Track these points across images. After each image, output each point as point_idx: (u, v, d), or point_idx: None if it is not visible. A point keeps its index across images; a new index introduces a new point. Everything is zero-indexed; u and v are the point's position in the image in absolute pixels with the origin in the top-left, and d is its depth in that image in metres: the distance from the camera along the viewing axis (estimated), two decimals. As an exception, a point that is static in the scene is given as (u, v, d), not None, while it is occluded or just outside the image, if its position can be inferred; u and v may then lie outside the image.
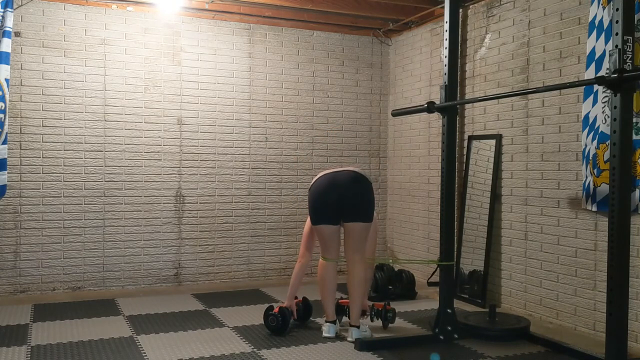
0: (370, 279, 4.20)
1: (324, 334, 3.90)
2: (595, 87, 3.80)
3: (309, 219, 4.03)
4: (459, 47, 4.47)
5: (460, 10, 5.06)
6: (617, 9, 2.86)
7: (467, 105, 5.13)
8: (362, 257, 3.88)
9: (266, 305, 4.86)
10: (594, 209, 3.88)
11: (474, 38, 5.12)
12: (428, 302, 4.95)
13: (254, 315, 4.53)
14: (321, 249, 3.97)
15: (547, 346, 3.74)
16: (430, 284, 4.56)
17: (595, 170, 3.85)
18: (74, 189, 5.23)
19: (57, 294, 5.14)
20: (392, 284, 5.07)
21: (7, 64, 4.57)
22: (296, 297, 4.17)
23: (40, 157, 5.12)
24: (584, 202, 3.97)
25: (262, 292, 5.36)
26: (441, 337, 3.87)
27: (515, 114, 4.64)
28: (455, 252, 4.52)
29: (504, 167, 4.75)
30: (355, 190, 3.81)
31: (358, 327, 3.86)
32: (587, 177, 3.93)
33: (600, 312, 3.88)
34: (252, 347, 3.74)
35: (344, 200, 3.79)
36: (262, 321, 4.34)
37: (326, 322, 3.95)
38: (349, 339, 3.82)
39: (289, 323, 3.99)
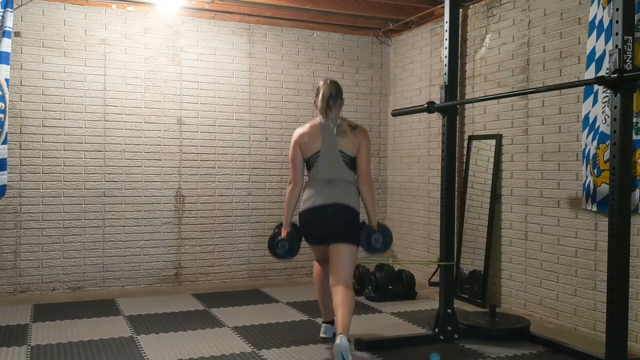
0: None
1: (321, 335, 3.89)
2: (595, 87, 3.80)
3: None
4: (459, 47, 4.47)
5: (460, 10, 5.06)
6: (617, 9, 2.86)
7: (467, 105, 5.13)
8: (348, 285, 3.50)
9: (266, 305, 4.88)
10: (594, 209, 3.88)
11: (474, 38, 5.12)
12: (428, 302, 4.95)
13: (254, 315, 4.53)
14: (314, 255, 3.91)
15: (547, 346, 3.73)
16: (431, 284, 4.56)
17: (595, 170, 3.85)
18: (74, 189, 5.23)
19: (57, 294, 5.14)
20: (392, 284, 5.07)
21: (7, 64, 4.58)
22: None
23: (40, 157, 5.12)
24: (584, 202, 3.97)
25: (262, 292, 5.37)
26: (441, 337, 3.87)
27: (515, 114, 4.64)
28: (455, 252, 4.51)
29: (504, 167, 4.75)
30: (341, 217, 3.59)
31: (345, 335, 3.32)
32: (587, 177, 3.93)
33: (600, 312, 3.88)
34: (252, 347, 3.74)
35: (329, 225, 3.59)
36: (262, 321, 4.35)
37: (323, 322, 3.94)
38: (336, 342, 3.27)
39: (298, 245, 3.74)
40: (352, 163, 3.65)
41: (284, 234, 3.70)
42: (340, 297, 3.43)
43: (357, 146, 3.64)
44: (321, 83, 3.73)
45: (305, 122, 3.79)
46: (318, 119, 3.70)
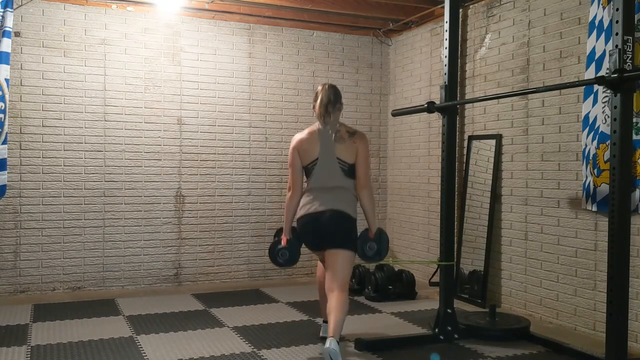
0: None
1: (322, 334, 3.89)
2: (595, 87, 3.80)
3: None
4: (459, 47, 4.47)
5: (460, 10, 5.06)
6: (617, 9, 2.86)
7: (467, 105, 5.13)
8: (343, 290, 3.48)
9: (266, 305, 4.88)
10: (594, 209, 3.88)
11: (474, 38, 5.12)
12: (428, 302, 4.95)
13: (254, 315, 4.53)
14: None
15: (547, 346, 3.74)
16: (432, 284, 4.56)
17: (595, 170, 3.85)
18: (74, 189, 5.23)
19: (57, 294, 5.14)
20: (392, 284, 5.07)
21: (7, 64, 4.58)
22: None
23: (40, 157, 5.12)
24: (584, 202, 3.97)
25: (262, 292, 5.36)
26: (441, 337, 3.87)
27: (515, 114, 4.64)
28: (455, 252, 4.51)
29: (504, 167, 4.75)
30: (336, 223, 3.57)
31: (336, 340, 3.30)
32: (587, 177, 3.93)
33: (600, 312, 3.88)
34: (252, 347, 3.74)
35: (324, 231, 3.58)
36: (262, 321, 4.35)
37: (323, 322, 3.93)
38: (326, 345, 3.26)
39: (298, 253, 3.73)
40: (350, 170, 3.63)
41: (284, 242, 3.68)
42: (335, 301, 3.42)
43: (355, 152, 3.62)
44: (320, 87, 3.72)
45: (306, 123, 3.79)
46: (316, 124, 3.69)
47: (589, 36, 3.93)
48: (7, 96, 4.62)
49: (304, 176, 3.71)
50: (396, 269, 5.23)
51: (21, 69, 5.05)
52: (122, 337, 3.91)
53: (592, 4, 3.89)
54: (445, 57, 4.09)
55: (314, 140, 3.64)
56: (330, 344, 3.18)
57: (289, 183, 3.72)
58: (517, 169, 4.62)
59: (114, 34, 5.32)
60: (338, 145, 3.61)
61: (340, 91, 3.74)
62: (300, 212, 3.65)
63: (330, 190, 3.61)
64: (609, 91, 3.07)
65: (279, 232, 3.82)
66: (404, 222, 6.14)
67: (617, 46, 2.83)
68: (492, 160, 4.83)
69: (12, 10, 4.61)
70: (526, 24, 4.56)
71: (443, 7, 4.41)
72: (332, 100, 3.65)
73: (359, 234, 3.66)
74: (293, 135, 3.77)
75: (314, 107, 3.73)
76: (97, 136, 5.29)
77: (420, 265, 5.74)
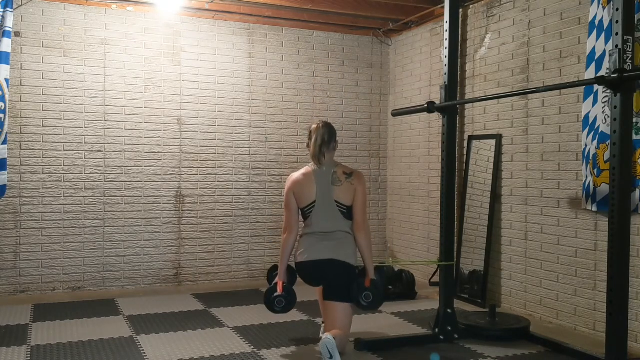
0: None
1: (321, 334, 3.89)
2: (595, 87, 3.80)
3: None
4: (459, 47, 4.47)
5: (460, 10, 5.06)
6: (617, 9, 2.86)
7: (467, 105, 5.13)
8: (345, 332, 3.51)
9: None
10: (594, 209, 3.88)
11: (474, 38, 5.12)
12: (428, 302, 4.95)
13: (254, 315, 4.53)
14: None
15: (547, 346, 3.74)
16: (432, 283, 4.56)
17: (595, 170, 3.85)
18: (74, 189, 5.23)
19: (57, 294, 5.14)
20: (392, 284, 5.07)
21: (7, 64, 4.58)
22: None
23: (40, 157, 5.12)
24: (584, 202, 3.97)
25: (262, 292, 5.33)
26: (441, 337, 3.87)
27: (515, 114, 4.64)
28: (455, 252, 4.51)
29: (504, 167, 4.75)
30: (336, 274, 3.57)
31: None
32: (587, 177, 3.93)
33: (600, 312, 3.88)
34: (252, 347, 3.74)
35: (325, 280, 3.61)
36: (262, 321, 4.35)
37: (323, 322, 3.94)
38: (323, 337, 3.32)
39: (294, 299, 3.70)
40: (348, 212, 3.60)
41: (280, 289, 3.62)
42: (337, 331, 3.42)
43: (352, 194, 3.58)
44: (314, 126, 3.66)
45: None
46: (311, 165, 3.65)
47: (589, 36, 3.93)
48: (7, 96, 4.62)
49: (301, 217, 3.67)
50: (396, 269, 5.23)
51: (21, 69, 5.05)
52: (122, 337, 3.91)
53: (592, 4, 3.89)
54: (445, 57, 4.09)
55: (310, 182, 3.60)
56: (328, 336, 3.19)
57: (285, 224, 3.68)
58: (517, 169, 4.62)
59: (114, 34, 5.32)
60: (335, 188, 3.57)
61: (335, 129, 3.69)
62: (300, 259, 3.62)
63: (331, 235, 3.58)
64: (609, 91, 3.07)
65: (273, 269, 3.81)
66: (404, 222, 6.14)
67: (617, 46, 2.83)
68: (492, 160, 4.83)
69: (12, 10, 4.61)
70: (526, 24, 4.56)
71: (443, 7, 4.41)
72: (327, 140, 3.60)
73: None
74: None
75: (308, 145, 3.68)
76: (97, 136, 5.29)
77: (421, 265, 5.74)
